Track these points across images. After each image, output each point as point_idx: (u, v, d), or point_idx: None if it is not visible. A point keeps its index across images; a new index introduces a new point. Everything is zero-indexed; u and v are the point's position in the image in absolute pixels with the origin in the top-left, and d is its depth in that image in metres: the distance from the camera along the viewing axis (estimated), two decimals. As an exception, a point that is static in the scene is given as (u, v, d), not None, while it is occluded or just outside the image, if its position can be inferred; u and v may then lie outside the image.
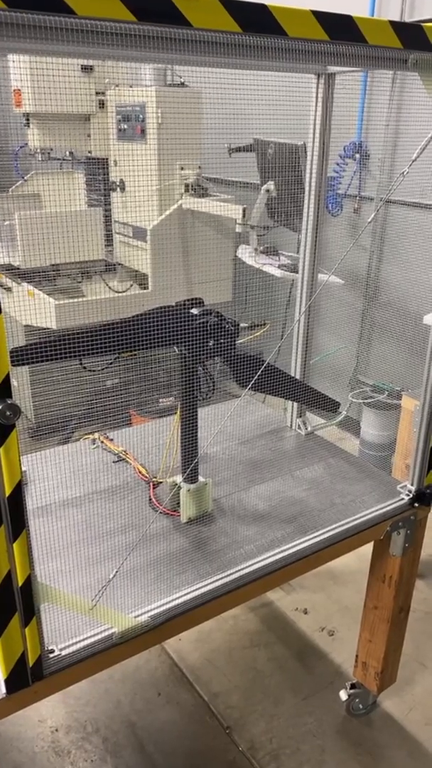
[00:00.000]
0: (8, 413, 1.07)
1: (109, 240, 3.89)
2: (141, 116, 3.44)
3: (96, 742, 2.14)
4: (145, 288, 3.69)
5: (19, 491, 1.15)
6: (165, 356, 1.76)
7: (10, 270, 3.60)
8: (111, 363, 1.55)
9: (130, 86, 3.59)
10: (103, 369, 1.58)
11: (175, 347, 1.68)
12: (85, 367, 1.52)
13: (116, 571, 1.46)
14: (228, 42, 1.18)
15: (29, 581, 1.22)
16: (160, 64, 3.31)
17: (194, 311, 1.65)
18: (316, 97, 1.94)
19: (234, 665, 2.43)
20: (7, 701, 1.30)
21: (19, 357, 1.40)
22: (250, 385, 1.70)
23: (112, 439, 2.15)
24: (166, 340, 1.59)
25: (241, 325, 1.71)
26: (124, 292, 3.75)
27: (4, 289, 3.71)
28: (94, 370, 1.55)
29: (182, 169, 3.52)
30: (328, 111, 1.96)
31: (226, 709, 2.26)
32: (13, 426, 1.10)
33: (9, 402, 1.07)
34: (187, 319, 1.63)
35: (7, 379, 1.08)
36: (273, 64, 1.44)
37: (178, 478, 1.82)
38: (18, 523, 1.17)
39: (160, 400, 3.39)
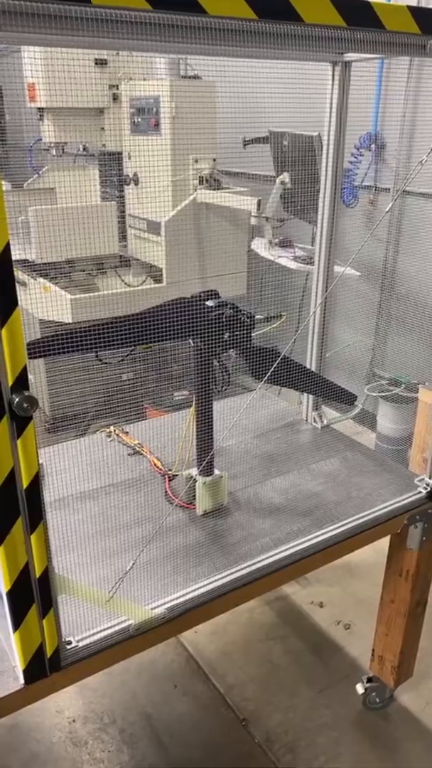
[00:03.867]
0: (26, 405, 1.08)
1: (123, 234, 3.89)
2: (155, 109, 3.43)
3: (113, 733, 2.15)
4: (159, 282, 3.69)
5: (36, 483, 1.15)
6: (180, 349, 1.76)
7: (26, 265, 3.62)
8: (126, 356, 1.55)
9: (144, 79, 3.58)
10: (119, 362, 1.58)
11: (190, 340, 1.67)
12: (101, 360, 1.52)
13: (133, 563, 1.47)
14: (244, 29, 1.17)
15: (47, 573, 1.23)
16: (175, 54, 3.29)
17: (209, 303, 1.64)
18: (332, 87, 1.91)
19: (250, 658, 2.44)
20: (26, 691, 1.31)
21: (36, 350, 1.40)
22: (265, 378, 1.69)
23: (127, 433, 2.15)
24: (181, 332, 1.59)
25: (257, 316, 1.70)
26: (138, 286, 3.75)
27: (20, 284, 3.73)
28: (108, 363, 1.55)
29: (196, 161, 3.50)
30: (344, 101, 1.94)
31: (241, 701, 2.26)
32: (30, 418, 1.11)
33: (26, 394, 1.08)
34: (202, 312, 1.62)
35: (25, 371, 1.08)
36: (289, 52, 1.42)
37: (194, 471, 1.82)
38: (36, 516, 1.17)
39: (175, 393, 3.39)
